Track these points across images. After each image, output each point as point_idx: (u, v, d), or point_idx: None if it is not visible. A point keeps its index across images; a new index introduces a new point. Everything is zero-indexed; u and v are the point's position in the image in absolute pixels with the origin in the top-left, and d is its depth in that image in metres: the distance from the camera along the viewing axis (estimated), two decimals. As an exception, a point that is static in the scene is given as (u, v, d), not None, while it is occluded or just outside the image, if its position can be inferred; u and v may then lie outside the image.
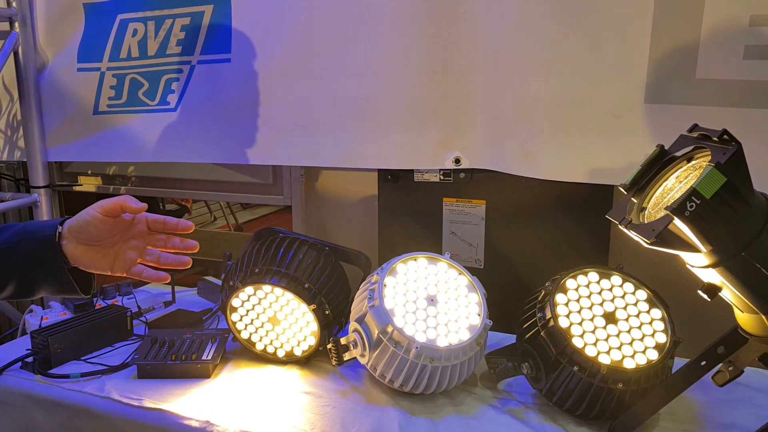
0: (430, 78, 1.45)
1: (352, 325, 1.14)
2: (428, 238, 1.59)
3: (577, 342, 1.01)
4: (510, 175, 1.44)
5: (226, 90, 1.61)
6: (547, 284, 1.10)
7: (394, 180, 1.60)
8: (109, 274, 0.93)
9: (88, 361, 1.31)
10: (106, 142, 1.75)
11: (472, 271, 1.23)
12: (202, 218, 4.83)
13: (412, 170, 1.56)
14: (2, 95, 1.88)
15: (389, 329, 1.07)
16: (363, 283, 1.22)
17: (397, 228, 1.63)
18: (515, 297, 1.16)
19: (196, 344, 1.29)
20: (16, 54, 1.76)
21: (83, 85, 1.74)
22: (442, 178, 1.54)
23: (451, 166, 1.48)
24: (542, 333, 1.04)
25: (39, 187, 1.85)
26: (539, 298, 1.08)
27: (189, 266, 0.95)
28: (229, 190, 1.95)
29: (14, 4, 1.74)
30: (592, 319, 1.04)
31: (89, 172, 2.05)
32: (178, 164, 1.75)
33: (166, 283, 0.97)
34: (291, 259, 1.25)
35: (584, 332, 1.02)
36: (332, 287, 1.27)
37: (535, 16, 1.34)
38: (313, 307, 1.21)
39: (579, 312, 1.04)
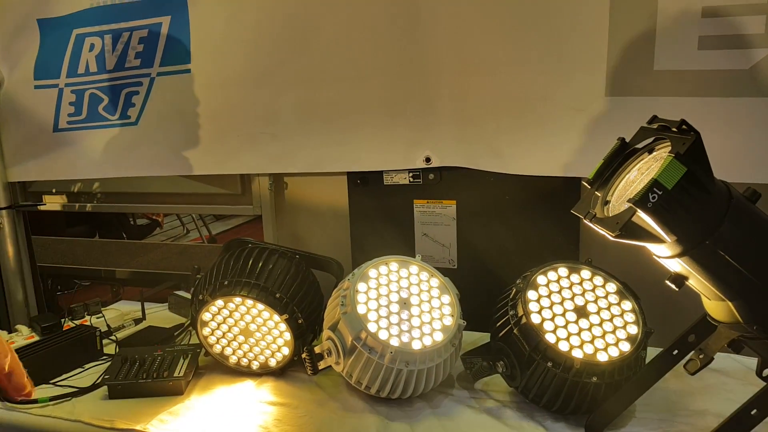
0: (396, 79, 1.45)
1: (326, 333, 1.12)
2: (401, 241, 1.58)
3: (550, 338, 1.01)
4: (479, 174, 1.45)
5: (189, 101, 1.58)
6: (518, 281, 1.10)
7: (363, 184, 1.59)
8: None
9: (58, 384, 1.27)
10: (68, 159, 1.71)
11: (446, 271, 1.23)
12: (174, 231, 4.77)
13: (382, 174, 1.55)
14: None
15: (363, 335, 1.06)
16: (335, 290, 1.20)
17: (369, 232, 1.62)
18: (490, 295, 1.16)
19: (167, 361, 1.26)
20: (-31, 74, 1.72)
21: (41, 103, 1.70)
22: (411, 180, 1.53)
23: (422, 165, 1.47)
24: (515, 330, 1.03)
25: (1, 209, 1.80)
26: (511, 296, 1.08)
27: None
28: (198, 202, 1.92)
29: (-35, 21, 1.69)
30: (563, 314, 1.04)
31: (53, 190, 1.99)
32: (145, 178, 1.72)
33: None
34: (261, 269, 1.23)
35: (556, 327, 1.02)
36: (304, 296, 1.25)
37: (494, 16, 1.35)
38: (285, 317, 1.19)
39: (550, 308, 1.05)
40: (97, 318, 1.54)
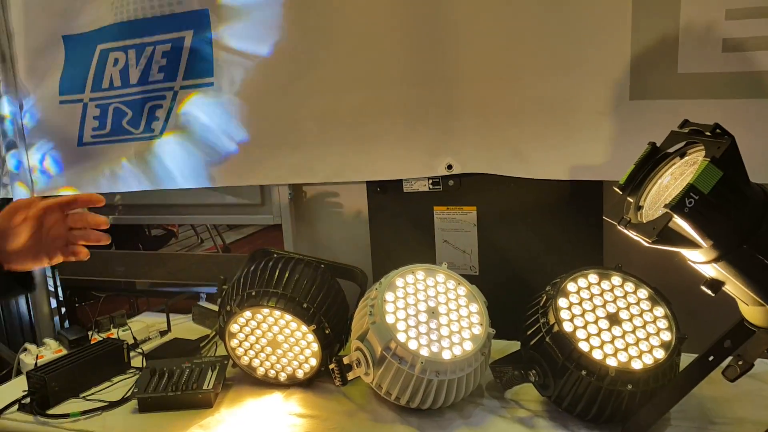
0: (417, 87, 1.45)
1: (354, 343, 1.12)
2: (421, 248, 1.57)
3: (583, 346, 1.00)
4: (499, 179, 1.44)
5: (211, 114, 1.59)
6: (547, 288, 1.09)
7: (383, 192, 1.59)
8: (48, 264, 1.00)
9: (87, 398, 1.28)
10: (93, 173, 1.73)
11: (468, 278, 1.22)
12: (188, 241, 4.80)
13: (401, 181, 1.55)
14: (-15, 134, 1.85)
15: (392, 345, 1.06)
16: (362, 300, 1.20)
17: (390, 240, 1.62)
18: (513, 301, 1.14)
19: (195, 373, 1.26)
20: (-4, 90, 1.75)
21: (66, 118, 1.72)
22: (431, 186, 1.53)
23: (444, 172, 1.47)
24: (547, 339, 1.02)
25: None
26: (541, 303, 1.07)
27: (107, 242, 1.04)
28: (216, 212, 1.94)
29: (-7, 40, 1.72)
30: (595, 322, 1.03)
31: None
32: (165, 189, 1.73)
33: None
34: (287, 279, 1.24)
35: (589, 335, 1.01)
36: (330, 305, 1.25)
37: (515, 21, 1.34)
38: (312, 327, 1.19)
39: (582, 315, 1.04)
40: (123, 331, 1.55)
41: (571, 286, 1.07)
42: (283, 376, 1.26)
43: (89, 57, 1.66)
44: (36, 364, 1.42)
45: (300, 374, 1.25)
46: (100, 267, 2.16)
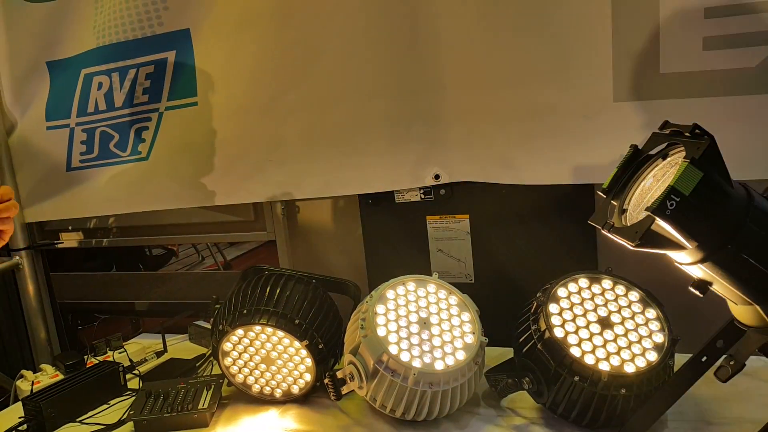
0: (401, 98, 1.46)
1: (347, 357, 1.12)
2: (416, 258, 1.57)
3: (575, 351, 0.99)
4: (491, 186, 1.44)
5: (197, 133, 1.60)
6: (538, 295, 1.09)
7: (375, 203, 1.59)
8: None
9: (84, 422, 1.28)
10: (82, 197, 1.73)
11: (463, 286, 1.22)
12: (189, 260, 4.81)
13: (393, 192, 1.55)
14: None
15: (384, 358, 1.05)
16: (354, 313, 1.20)
17: (384, 251, 1.62)
18: (510, 308, 1.14)
19: (191, 393, 1.26)
20: (-18, 118, 1.75)
21: (54, 143, 1.73)
22: (423, 196, 1.53)
23: (432, 182, 1.47)
24: (539, 345, 1.02)
25: (19, 249, 1.82)
26: (532, 310, 1.07)
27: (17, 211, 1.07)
28: (212, 230, 1.93)
29: (-23, 68, 1.73)
30: (587, 326, 1.02)
31: (69, 227, 2.02)
32: (159, 210, 1.73)
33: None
34: (279, 296, 1.23)
35: (581, 340, 1.01)
36: (323, 320, 1.25)
37: (495, 29, 1.35)
38: (305, 342, 1.18)
39: (573, 320, 1.03)
40: (120, 353, 1.55)
41: (561, 291, 1.07)
42: (278, 393, 1.26)
43: (74, 82, 1.67)
44: (32, 390, 1.41)
45: (295, 390, 1.24)
46: (102, 289, 2.17)
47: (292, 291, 1.25)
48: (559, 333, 1.01)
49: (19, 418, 1.27)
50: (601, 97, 1.28)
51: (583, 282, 1.08)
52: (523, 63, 1.34)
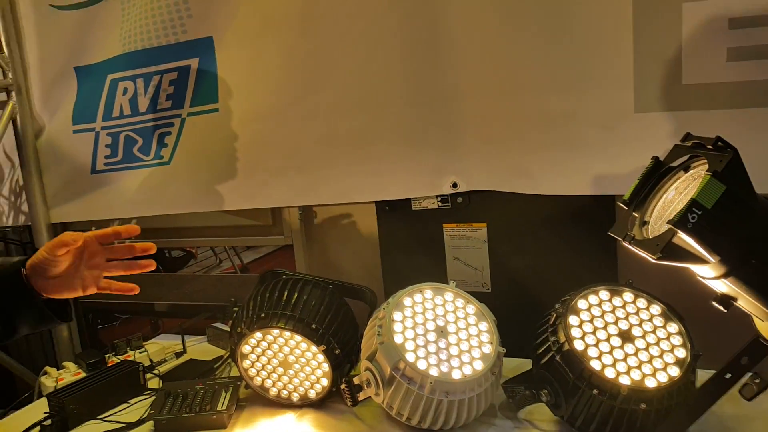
0: (419, 106, 1.46)
1: (364, 363, 1.12)
2: (432, 266, 1.57)
3: (595, 364, 0.98)
4: (509, 195, 1.43)
5: (218, 139, 1.62)
6: (557, 306, 1.08)
7: (392, 210, 1.59)
8: (81, 294, 1.01)
9: (105, 419, 1.31)
10: (106, 199, 1.76)
11: (480, 295, 1.21)
12: (207, 262, 4.85)
13: (410, 199, 1.55)
14: (4, 162, 1.90)
15: (401, 365, 1.05)
16: (371, 319, 1.20)
17: (400, 258, 1.62)
18: (527, 318, 1.14)
19: (209, 395, 1.28)
20: (14, 121, 1.79)
21: (80, 146, 1.76)
22: (440, 204, 1.53)
23: (449, 190, 1.47)
24: (557, 357, 1.01)
25: (44, 250, 1.85)
26: (551, 321, 1.06)
27: (154, 267, 1.05)
28: (231, 234, 1.96)
29: (10, 74, 1.77)
30: (607, 339, 1.01)
31: (93, 228, 2.05)
32: (178, 213, 1.76)
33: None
34: (296, 300, 1.24)
35: (601, 353, 1.00)
36: (340, 325, 1.26)
37: (513, 37, 1.34)
38: (322, 347, 1.19)
39: (593, 333, 1.02)
40: (141, 353, 1.57)
41: (581, 303, 1.06)
42: (295, 397, 1.27)
43: (100, 87, 1.71)
44: (56, 386, 1.44)
45: (312, 394, 1.25)
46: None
47: (309, 296, 1.26)
48: (578, 345, 1.00)
49: (44, 413, 1.31)
50: (621, 107, 1.27)
51: (604, 294, 1.07)
52: (542, 71, 1.33)
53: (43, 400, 1.37)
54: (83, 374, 1.50)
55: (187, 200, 1.68)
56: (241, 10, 1.55)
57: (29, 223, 1.87)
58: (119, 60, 1.68)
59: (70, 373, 1.53)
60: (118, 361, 1.52)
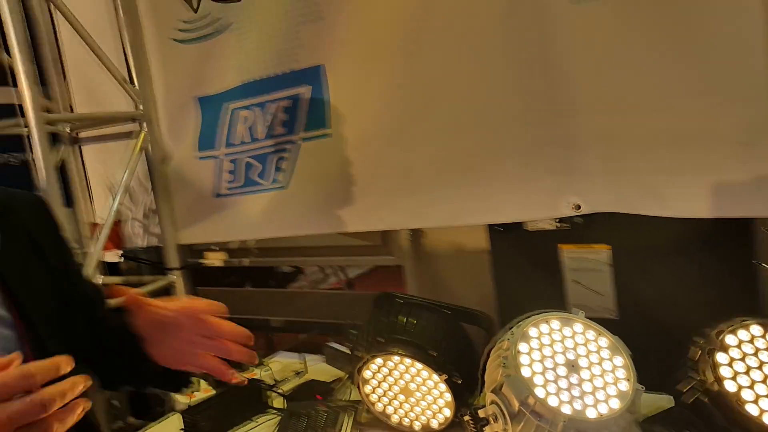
0: (532, 125, 1.42)
1: (489, 396, 1.10)
2: (548, 289, 1.51)
3: (751, 409, 0.90)
4: (631, 215, 1.35)
5: (331, 163, 1.67)
6: (700, 341, 1.00)
7: (505, 231, 1.56)
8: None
9: (234, 438, 1.38)
10: (228, 222, 1.87)
11: (606, 322, 1.15)
12: (314, 276, 5.02)
13: (523, 219, 1.51)
14: (139, 189, 2.07)
15: (530, 401, 1.02)
16: (493, 350, 1.18)
17: (514, 280, 1.58)
18: (657, 348, 1.06)
19: (331, 418, 1.31)
20: (146, 150, 1.95)
21: (204, 172, 1.89)
22: (558, 225, 1.48)
23: (570, 212, 1.41)
24: (705, 399, 0.94)
25: (173, 269, 2.01)
26: (696, 358, 0.99)
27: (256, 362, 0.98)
28: (339, 254, 2.01)
29: (140, 106, 1.93)
30: (764, 381, 0.93)
31: (213, 247, 2.20)
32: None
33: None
34: (416, 326, 1.25)
35: (758, 397, 0.91)
36: (461, 353, 1.25)
37: (637, 50, 1.27)
38: (444, 376, 1.18)
39: (747, 373, 0.94)
40: (265, 371, 1.65)
41: (730, 339, 0.98)
42: (417, 426, 1.27)
43: (221, 116, 1.82)
44: (189, 403, 1.54)
45: (435, 424, 1.25)
46: (238, 304, 2.32)
47: (428, 321, 1.27)
48: (730, 386, 0.93)
49: (181, 429, 1.40)
50: (759, 121, 1.16)
51: (756, 330, 0.98)
52: (666, 84, 1.25)
53: (177, 415, 1.47)
54: (213, 392, 1.60)
55: (302, 223, 1.75)
56: (348, 37, 1.59)
57: (161, 245, 2.03)
58: (238, 90, 1.78)
59: (202, 390, 1.63)
60: (242, 378, 1.60)
